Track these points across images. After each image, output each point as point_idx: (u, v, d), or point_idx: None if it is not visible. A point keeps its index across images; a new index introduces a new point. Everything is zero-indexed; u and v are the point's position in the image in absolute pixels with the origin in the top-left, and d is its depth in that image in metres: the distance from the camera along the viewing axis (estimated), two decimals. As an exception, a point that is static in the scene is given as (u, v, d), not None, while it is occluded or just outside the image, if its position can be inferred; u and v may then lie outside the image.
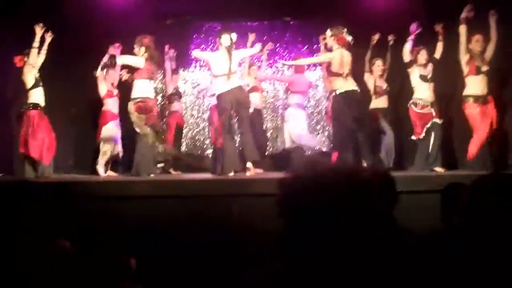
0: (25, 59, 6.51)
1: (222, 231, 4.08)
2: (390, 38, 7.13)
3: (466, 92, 6.35)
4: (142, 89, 6.39)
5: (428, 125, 6.62)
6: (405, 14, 7.05)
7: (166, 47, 7.43)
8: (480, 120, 6.25)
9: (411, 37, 6.66)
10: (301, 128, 7.45)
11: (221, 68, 6.22)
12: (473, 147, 6.28)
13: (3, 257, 1.76)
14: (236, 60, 6.33)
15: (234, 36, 6.31)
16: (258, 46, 6.56)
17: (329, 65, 6.38)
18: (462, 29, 6.28)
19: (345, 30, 6.31)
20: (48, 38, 6.55)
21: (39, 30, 6.44)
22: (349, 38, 6.30)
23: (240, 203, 4.59)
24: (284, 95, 8.23)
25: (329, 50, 6.47)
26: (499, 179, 1.61)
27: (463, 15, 6.25)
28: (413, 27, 6.65)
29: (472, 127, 6.35)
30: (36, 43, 6.46)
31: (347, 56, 6.30)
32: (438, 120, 6.63)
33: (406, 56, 6.71)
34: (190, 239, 3.93)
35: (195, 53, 6.88)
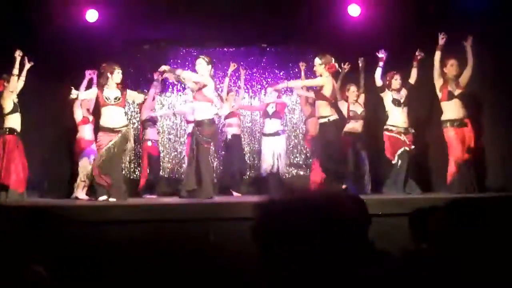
0: (5, 84, 6.51)
1: (199, 255, 4.06)
2: (361, 62, 7.20)
3: (443, 117, 6.48)
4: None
5: (399, 152, 6.73)
6: (377, 40, 7.21)
7: (155, 74, 7.23)
8: (456, 143, 6.36)
9: (380, 63, 6.82)
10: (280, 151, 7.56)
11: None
12: (450, 171, 6.40)
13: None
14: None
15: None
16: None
17: (320, 89, 6.51)
18: (437, 56, 6.44)
19: (333, 59, 6.49)
20: (27, 64, 6.55)
21: (18, 56, 6.45)
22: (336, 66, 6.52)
23: (217, 227, 4.58)
24: (261, 119, 8.29)
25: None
26: (470, 203, 1.66)
27: (440, 42, 6.42)
28: (381, 53, 6.83)
29: (449, 150, 6.46)
30: (15, 69, 6.47)
31: (335, 85, 6.61)
32: (408, 148, 6.73)
33: (378, 81, 6.85)
34: (167, 263, 3.91)
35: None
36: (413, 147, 6.77)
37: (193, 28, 7.72)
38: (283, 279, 1.49)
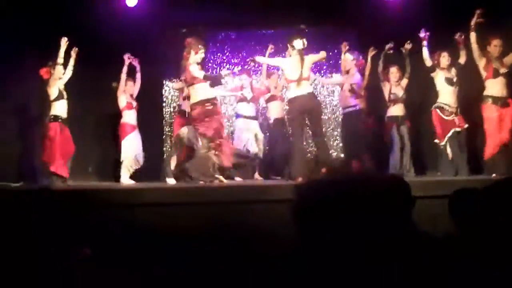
0: (51, 71, 6.64)
1: (238, 237, 4.09)
2: (407, 46, 7.02)
3: (486, 92, 6.32)
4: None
5: (449, 134, 6.59)
6: (417, 19, 7.03)
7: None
8: (497, 123, 6.19)
9: (424, 43, 6.66)
10: None
11: (292, 74, 6.17)
12: (489, 150, 6.23)
13: (26, 264, 1.80)
14: (307, 66, 6.25)
15: (305, 41, 6.25)
16: (323, 53, 6.52)
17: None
18: (473, 37, 6.27)
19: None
20: (74, 53, 6.68)
21: (63, 44, 6.57)
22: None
23: (256, 210, 4.60)
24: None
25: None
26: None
27: (473, 22, 6.23)
28: (422, 33, 6.65)
29: (485, 129, 6.29)
30: (60, 57, 6.59)
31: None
32: (458, 129, 6.59)
33: (427, 61, 6.70)
34: (207, 245, 3.95)
35: (259, 59, 6.85)
36: (466, 126, 6.61)
37: (231, 11, 7.69)
38: (322, 261, 1.48)
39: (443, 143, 6.64)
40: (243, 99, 7.47)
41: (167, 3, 7.50)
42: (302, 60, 6.16)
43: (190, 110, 6.30)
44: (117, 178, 7.24)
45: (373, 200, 1.59)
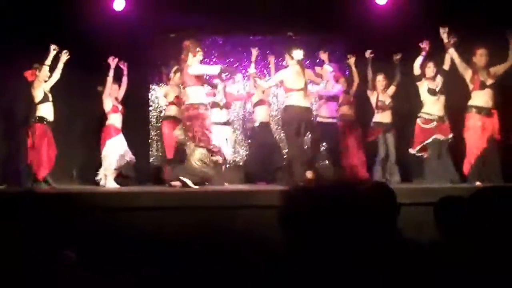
0: (37, 73, 6.61)
1: (226, 242, 4.09)
2: (397, 56, 7.12)
3: (470, 102, 6.34)
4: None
5: (428, 141, 6.65)
6: (405, 27, 7.10)
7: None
8: (480, 134, 6.23)
9: (423, 53, 6.68)
10: None
11: (293, 83, 6.27)
12: (467, 165, 6.29)
13: (8, 267, 1.78)
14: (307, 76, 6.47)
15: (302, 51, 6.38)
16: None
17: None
18: (452, 53, 6.35)
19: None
20: (65, 56, 6.66)
21: (53, 50, 6.57)
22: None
23: (244, 215, 4.60)
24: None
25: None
26: (498, 191, 1.63)
27: (445, 41, 6.34)
28: (424, 43, 6.66)
29: (465, 139, 6.33)
30: (48, 61, 6.58)
31: None
32: (440, 137, 6.63)
33: (416, 70, 6.74)
34: (194, 250, 3.94)
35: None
36: (450, 135, 6.65)
37: (219, 16, 7.71)
38: (308, 266, 1.49)
39: (413, 151, 6.73)
40: (215, 105, 7.41)
41: (155, 7, 7.49)
42: (302, 69, 6.32)
43: (185, 110, 6.30)
44: (97, 181, 7.13)
45: (359, 207, 1.60)
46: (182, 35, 8.42)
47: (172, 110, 7.34)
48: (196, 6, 7.45)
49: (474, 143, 6.26)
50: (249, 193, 5.65)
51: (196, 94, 6.19)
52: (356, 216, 1.56)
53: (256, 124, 7.73)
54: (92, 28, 7.12)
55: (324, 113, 7.41)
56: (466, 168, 6.32)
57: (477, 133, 6.24)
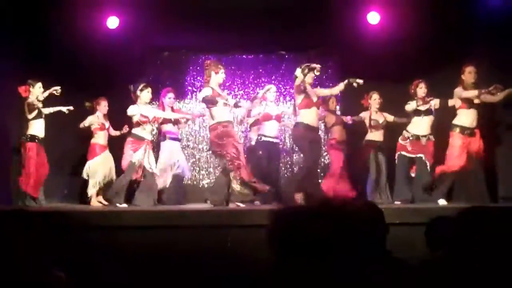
0: (30, 89, 6.55)
1: (216, 261, 4.07)
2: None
3: (455, 121, 6.38)
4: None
5: (396, 155, 6.83)
6: (396, 47, 7.17)
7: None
8: (459, 152, 6.27)
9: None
10: None
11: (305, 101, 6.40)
12: (439, 169, 6.37)
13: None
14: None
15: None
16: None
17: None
18: (436, 103, 6.58)
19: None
20: (56, 92, 6.62)
21: (53, 90, 6.58)
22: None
23: (235, 234, 4.59)
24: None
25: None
26: (482, 212, 1.65)
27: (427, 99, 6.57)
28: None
29: (446, 155, 6.37)
30: (45, 93, 6.57)
31: None
32: (407, 154, 6.73)
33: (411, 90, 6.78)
34: (184, 269, 3.93)
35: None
36: (419, 155, 6.64)
37: (212, 35, 7.76)
38: (297, 285, 1.49)
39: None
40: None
41: (149, 26, 7.53)
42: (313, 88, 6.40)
43: (209, 131, 6.33)
44: (86, 200, 7.06)
45: (347, 226, 1.61)
46: (176, 53, 8.50)
47: (138, 130, 6.79)
48: (189, 25, 7.50)
49: (450, 159, 6.32)
50: (239, 212, 5.63)
51: (222, 113, 6.18)
52: (345, 236, 1.57)
53: (252, 142, 7.61)
54: (85, 45, 7.15)
55: None
56: (437, 172, 6.39)
57: (458, 151, 6.28)
